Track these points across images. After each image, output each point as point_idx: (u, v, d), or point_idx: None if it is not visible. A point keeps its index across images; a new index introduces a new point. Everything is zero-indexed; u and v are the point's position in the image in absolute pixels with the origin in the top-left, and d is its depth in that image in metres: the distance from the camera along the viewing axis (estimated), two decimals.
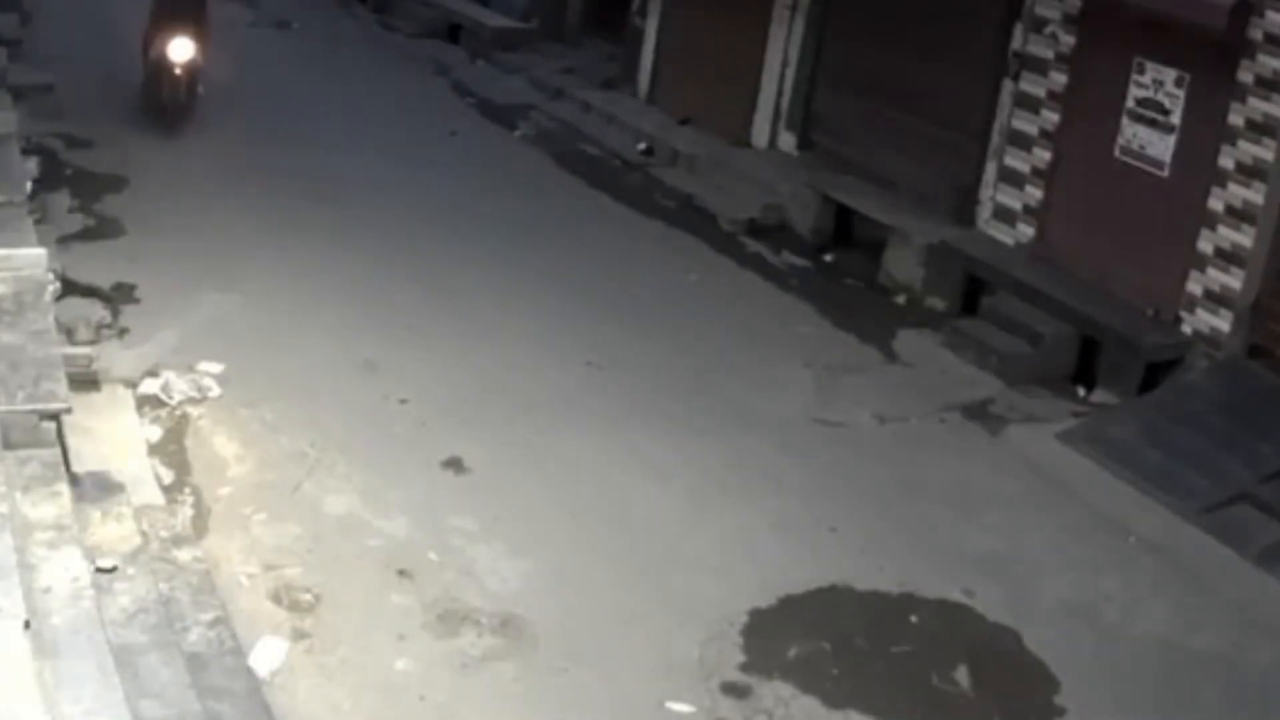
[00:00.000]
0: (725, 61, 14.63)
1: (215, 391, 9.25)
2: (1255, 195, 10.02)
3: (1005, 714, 7.25)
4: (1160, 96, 10.69)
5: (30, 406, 7.13)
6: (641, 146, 14.75)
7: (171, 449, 8.62)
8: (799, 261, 12.69)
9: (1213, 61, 10.20)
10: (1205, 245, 10.35)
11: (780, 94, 14.21)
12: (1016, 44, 11.74)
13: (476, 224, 12.53)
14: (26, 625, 5.56)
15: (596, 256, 12.29)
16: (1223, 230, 10.23)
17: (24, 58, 14.36)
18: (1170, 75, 10.61)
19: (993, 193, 12.05)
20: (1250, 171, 10.04)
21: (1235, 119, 10.09)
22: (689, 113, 15.05)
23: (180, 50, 13.88)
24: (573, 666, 7.15)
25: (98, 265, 10.74)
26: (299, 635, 7.10)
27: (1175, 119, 10.61)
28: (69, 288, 10.07)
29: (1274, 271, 10.09)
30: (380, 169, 13.64)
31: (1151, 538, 8.79)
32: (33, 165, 11.83)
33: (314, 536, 7.91)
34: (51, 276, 8.78)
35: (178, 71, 13.88)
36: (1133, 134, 10.91)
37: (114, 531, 7.09)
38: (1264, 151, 9.93)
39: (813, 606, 7.89)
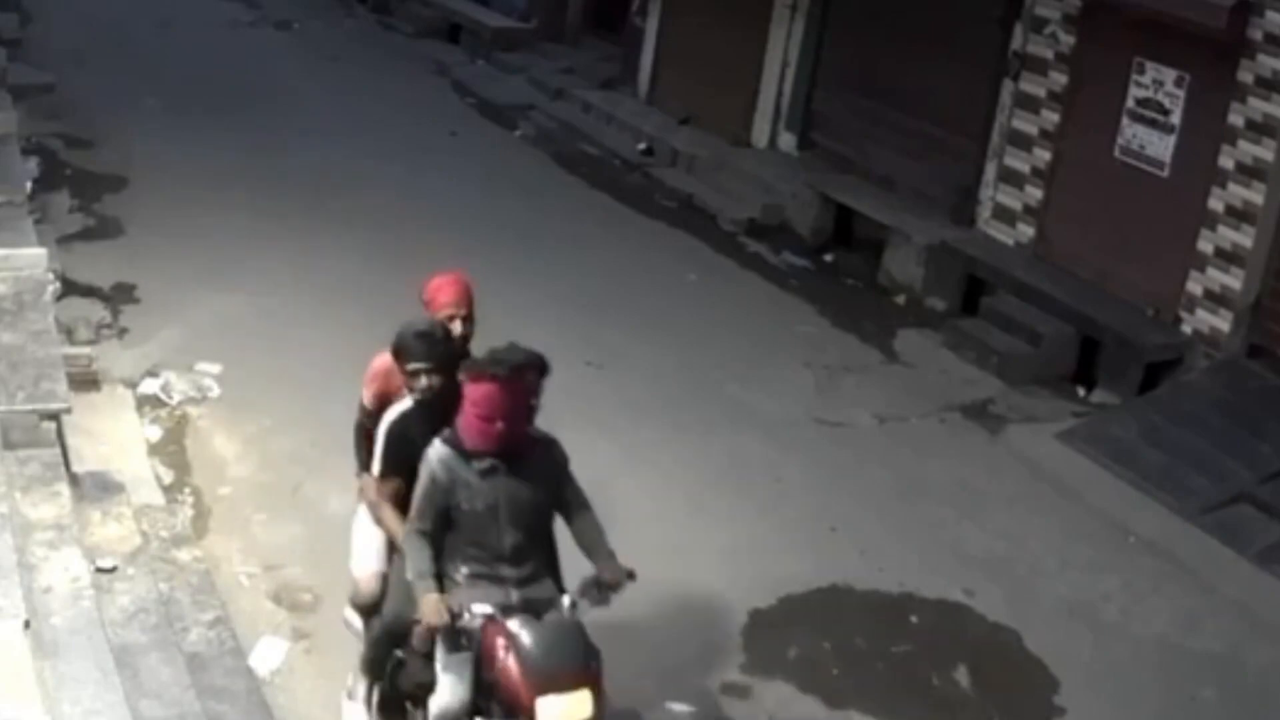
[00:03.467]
0: (725, 61, 14.63)
1: (215, 391, 9.25)
2: (1255, 195, 10.02)
3: (1005, 714, 7.24)
4: (1160, 96, 10.69)
5: (30, 406, 7.13)
6: (641, 146, 14.74)
7: (171, 449, 8.61)
8: (799, 261, 12.69)
9: (1213, 61, 10.20)
10: (1205, 245, 10.35)
11: (780, 94, 14.21)
12: (1016, 44, 11.73)
13: (476, 224, 12.51)
14: (26, 625, 5.56)
15: (596, 257, 12.28)
16: (1223, 230, 10.23)
17: (24, 58, 14.37)
18: (1170, 75, 10.61)
19: (993, 193, 12.05)
20: (1250, 171, 10.04)
21: (1235, 119, 10.09)
22: (689, 113, 15.04)
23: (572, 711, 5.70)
24: None
25: (98, 265, 10.75)
26: (299, 635, 7.09)
27: (1175, 119, 10.61)
28: (69, 288, 10.08)
29: (1274, 271, 10.09)
30: (380, 169, 13.63)
31: (1151, 538, 8.79)
32: (33, 165, 11.84)
33: (314, 536, 7.88)
34: (51, 276, 8.79)
35: None
36: (1133, 134, 10.90)
37: (114, 531, 7.09)
38: (1264, 151, 9.93)
39: (813, 606, 7.89)
